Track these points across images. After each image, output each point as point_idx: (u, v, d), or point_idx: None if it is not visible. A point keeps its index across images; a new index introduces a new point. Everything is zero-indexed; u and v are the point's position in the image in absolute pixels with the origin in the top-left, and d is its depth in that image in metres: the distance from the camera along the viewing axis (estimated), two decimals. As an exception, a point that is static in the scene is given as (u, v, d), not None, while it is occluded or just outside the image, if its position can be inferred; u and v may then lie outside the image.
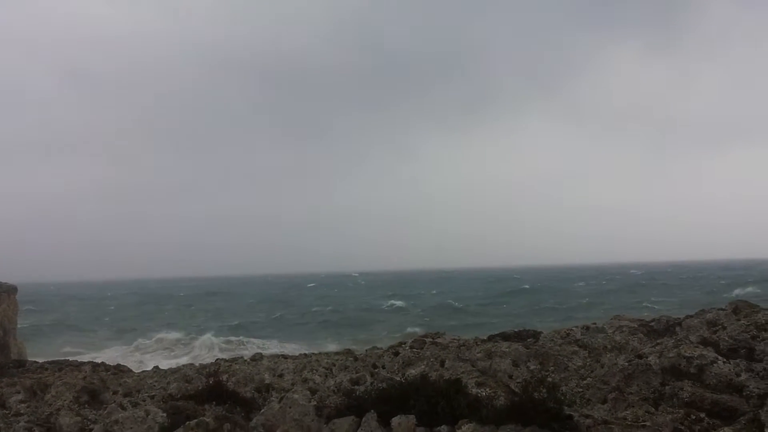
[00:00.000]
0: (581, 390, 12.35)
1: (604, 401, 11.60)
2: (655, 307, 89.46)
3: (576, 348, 15.00)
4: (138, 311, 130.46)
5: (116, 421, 11.16)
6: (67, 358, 23.96)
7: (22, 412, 14.31)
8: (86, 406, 14.83)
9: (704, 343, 13.55)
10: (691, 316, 16.54)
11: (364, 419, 10.83)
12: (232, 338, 79.56)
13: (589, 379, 12.88)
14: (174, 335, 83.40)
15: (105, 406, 14.47)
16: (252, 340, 77.76)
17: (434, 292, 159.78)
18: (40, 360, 23.77)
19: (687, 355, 12.51)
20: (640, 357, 12.93)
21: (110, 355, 67.34)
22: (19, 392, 16.01)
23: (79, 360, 23.07)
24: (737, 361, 12.22)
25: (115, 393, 16.06)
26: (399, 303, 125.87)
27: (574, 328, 16.77)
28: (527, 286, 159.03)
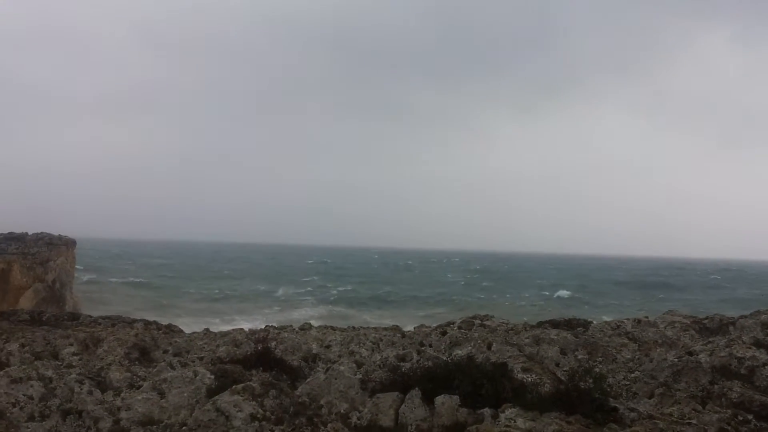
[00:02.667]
0: (628, 383, 12.25)
1: (651, 396, 11.50)
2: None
3: (626, 340, 14.86)
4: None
5: (165, 380, 11.35)
6: (120, 315, 24.32)
7: (74, 364, 14.60)
8: (136, 362, 15.08)
9: (757, 344, 13.34)
10: (746, 316, 16.25)
11: (408, 396, 10.88)
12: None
13: (637, 372, 12.76)
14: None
15: (155, 364, 14.71)
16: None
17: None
18: (95, 314, 24.19)
19: (739, 355, 12.33)
20: (690, 354, 12.78)
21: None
22: (72, 344, 16.34)
23: (132, 317, 23.41)
24: (790, 365, 12.02)
25: (165, 352, 16.31)
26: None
27: (625, 321, 16.60)
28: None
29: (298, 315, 75.57)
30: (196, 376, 11.32)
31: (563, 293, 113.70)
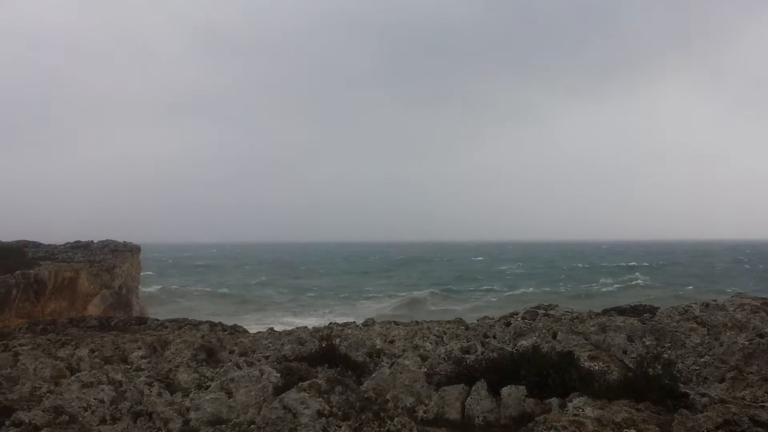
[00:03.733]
0: (698, 368, 12.05)
1: (722, 380, 11.29)
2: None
3: (694, 325, 14.61)
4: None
5: (232, 380, 11.44)
6: (186, 317, 24.68)
7: (143, 367, 14.85)
8: (204, 363, 15.27)
9: (831, 324, 13.02)
10: (818, 296, 15.89)
11: (474, 388, 10.83)
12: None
13: (706, 357, 12.54)
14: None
15: (222, 364, 14.88)
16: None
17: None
18: (161, 318, 24.57)
19: (812, 336, 12.05)
20: (761, 336, 12.51)
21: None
22: (140, 348, 16.62)
23: (197, 319, 23.75)
24: None
25: (231, 352, 16.49)
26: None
27: (693, 305, 16.31)
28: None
29: (375, 310, 76.30)
30: (262, 374, 11.39)
31: (640, 279, 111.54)
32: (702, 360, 12.39)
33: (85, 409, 11.15)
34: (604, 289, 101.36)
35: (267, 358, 15.57)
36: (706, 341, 13.64)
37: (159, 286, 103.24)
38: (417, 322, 19.70)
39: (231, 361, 15.09)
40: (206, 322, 22.08)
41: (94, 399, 11.38)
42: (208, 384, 12.48)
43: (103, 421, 10.89)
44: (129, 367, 14.93)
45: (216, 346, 16.76)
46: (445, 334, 16.37)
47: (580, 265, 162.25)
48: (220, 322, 22.16)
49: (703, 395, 10.10)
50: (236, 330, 20.94)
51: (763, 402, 9.55)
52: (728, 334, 13.78)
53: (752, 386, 10.46)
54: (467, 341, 15.09)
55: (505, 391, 10.57)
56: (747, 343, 12.16)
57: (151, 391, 11.75)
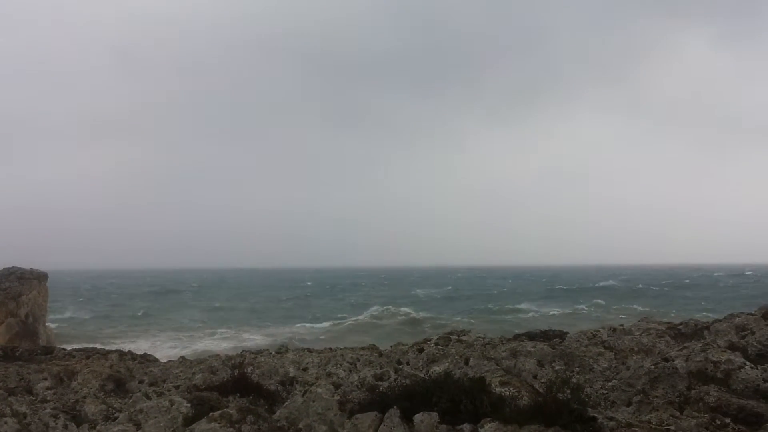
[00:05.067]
0: (606, 392, 12.26)
1: (629, 404, 11.51)
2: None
3: (602, 349, 14.89)
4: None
5: (141, 410, 11.22)
6: (95, 346, 24.15)
7: (48, 398, 14.45)
8: (112, 394, 14.95)
9: (732, 347, 13.40)
10: (720, 320, 16.36)
11: (386, 415, 10.81)
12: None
13: (614, 381, 12.77)
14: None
15: (130, 394, 14.57)
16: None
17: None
18: (69, 347, 23.97)
19: (714, 359, 12.37)
20: (666, 360, 12.81)
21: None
22: (46, 379, 16.16)
23: (107, 348, 23.26)
24: (765, 366, 12.08)
25: (140, 382, 16.17)
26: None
27: (600, 330, 16.66)
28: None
29: (287, 335, 75.76)
30: (172, 405, 11.19)
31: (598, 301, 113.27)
32: (609, 384, 12.61)
33: (-14, 444, 10.81)
34: (522, 316, 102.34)
35: (177, 387, 15.30)
36: (613, 365, 13.90)
37: (69, 315, 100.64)
38: (331, 348, 19.64)
39: (140, 391, 14.79)
40: (116, 351, 21.63)
41: (-4, 433, 11.04)
42: (116, 415, 12.21)
43: (5, 456, 10.57)
44: (34, 398, 14.51)
45: (125, 375, 16.41)
46: (359, 360, 16.35)
47: (504, 290, 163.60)
48: (129, 351, 21.74)
49: (610, 419, 10.28)
50: (146, 359, 20.57)
51: (668, 425, 9.76)
52: (635, 358, 14.08)
53: (658, 410, 10.68)
54: (380, 368, 15.09)
55: (417, 418, 10.57)
56: (652, 367, 12.43)
57: (56, 424, 11.45)
